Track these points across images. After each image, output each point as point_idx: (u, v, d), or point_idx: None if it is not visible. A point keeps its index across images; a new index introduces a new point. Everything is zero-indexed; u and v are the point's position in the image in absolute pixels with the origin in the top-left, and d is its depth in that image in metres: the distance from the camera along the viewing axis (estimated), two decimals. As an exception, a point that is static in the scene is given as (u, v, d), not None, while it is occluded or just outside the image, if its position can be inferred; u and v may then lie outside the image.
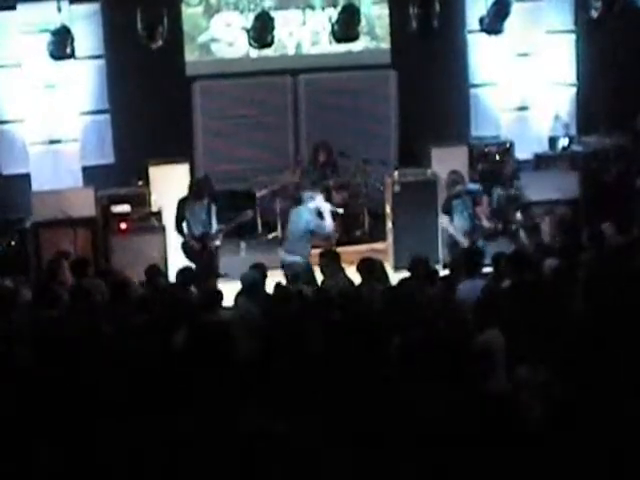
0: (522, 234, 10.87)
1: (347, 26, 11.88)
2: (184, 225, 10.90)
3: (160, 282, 9.30)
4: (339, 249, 11.35)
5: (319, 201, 10.70)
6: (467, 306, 7.49)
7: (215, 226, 10.89)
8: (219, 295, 8.32)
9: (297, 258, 10.31)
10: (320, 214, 10.57)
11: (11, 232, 11.63)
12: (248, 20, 12.25)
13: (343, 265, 10.04)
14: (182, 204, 10.96)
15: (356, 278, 9.26)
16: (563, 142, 13.45)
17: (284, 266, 10.33)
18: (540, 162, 13.29)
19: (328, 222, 10.56)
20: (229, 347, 6.79)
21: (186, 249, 10.89)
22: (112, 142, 12.96)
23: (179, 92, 13.17)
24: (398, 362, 6.37)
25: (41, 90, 12.36)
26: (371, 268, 8.94)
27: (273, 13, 12.07)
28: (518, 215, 10.91)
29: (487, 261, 9.24)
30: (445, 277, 8.92)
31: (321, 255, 9.41)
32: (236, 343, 7.01)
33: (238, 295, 8.63)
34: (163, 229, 11.53)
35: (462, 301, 7.84)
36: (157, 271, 9.47)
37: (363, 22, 12.39)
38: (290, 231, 10.74)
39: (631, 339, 6.55)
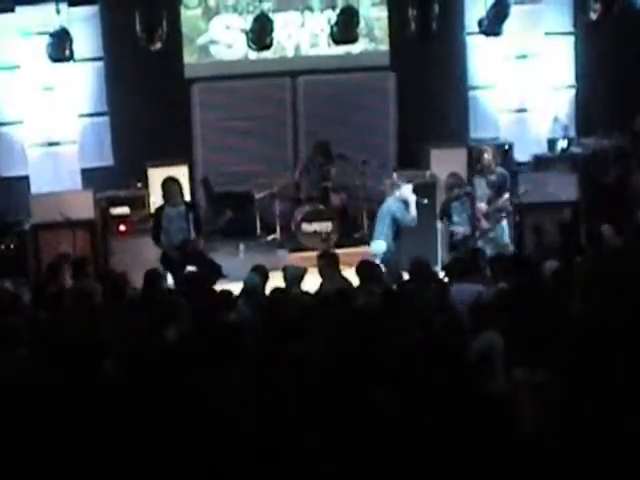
0: (505, 223, 10.97)
1: (346, 28, 11.88)
2: (162, 236, 10.46)
3: (161, 285, 9.23)
4: (338, 251, 11.38)
5: (405, 190, 10.68)
6: (463, 307, 7.49)
7: (193, 234, 10.47)
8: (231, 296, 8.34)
9: (380, 243, 10.46)
10: (406, 203, 10.59)
11: (10, 234, 11.63)
12: (247, 22, 12.25)
13: (342, 267, 10.05)
14: (159, 212, 10.59)
15: (354, 280, 9.26)
16: (562, 144, 13.46)
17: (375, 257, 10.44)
18: (539, 164, 13.29)
19: (412, 213, 10.55)
20: (236, 348, 6.79)
21: (165, 260, 10.44)
22: (111, 144, 12.98)
23: (178, 94, 13.18)
24: (397, 363, 6.37)
25: (40, 92, 12.38)
26: (370, 270, 8.94)
27: (272, 15, 12.06)
28: (505, 197, 11.00)
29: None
30: (441, 279, 8.93)
31: (319, 257, 9.39)
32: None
33: (237, 298, 8.62)
34: (162, 231, 11.51)
35: (459, 302, 7.84)
36: (157, 275, 9.36)
37: (362, 24, 12.40)
38: (375, 223, 10.85)
39: (630, 340, 6.54)
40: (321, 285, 9.04)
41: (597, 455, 4.85)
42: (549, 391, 5.60)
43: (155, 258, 10.56)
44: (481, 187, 11.11)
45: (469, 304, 7.49)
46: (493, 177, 11.05)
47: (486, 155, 11.21)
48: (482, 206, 10.91)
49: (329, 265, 9.17)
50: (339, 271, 9.30)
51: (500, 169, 11.25)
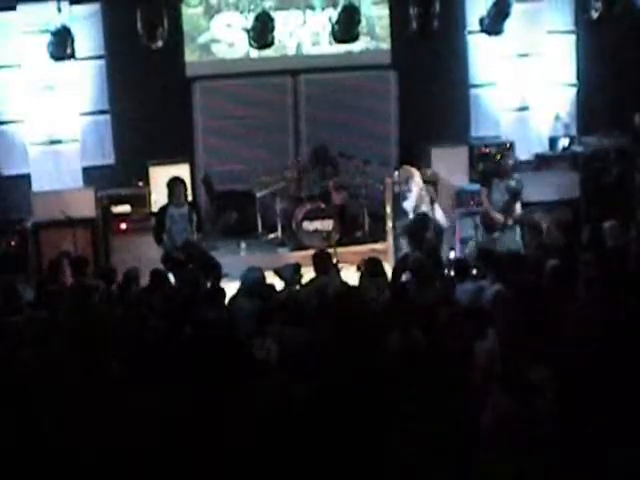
0: (517, 230, 10.86)
1: (347, 26, 11.88)
2: (164, 236, 10.44)
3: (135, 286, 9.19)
4: (339, 249, 11.40)
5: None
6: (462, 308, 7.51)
7: (196, 234, 10.50)
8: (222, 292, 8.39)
9: None
10: None
11: (11, 232, 11.65)
12: (248, 20, 12.25)
13: (343, 265, 10.08)
14: (162, 212, 10.56)
15: (355, 278, 9.28)
16: (563, 142, 13.46)
17: None
18: (540, 162, 13.30)
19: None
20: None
21: (169, 261, 10.36)
22: (112, 142, 12.97)
23: (179, 92, 13.18)
24: (396, 361, 6.38)
25: (41, 90, 12.37)
26: (375, 267, 8.94)
27: (273, 13, 12.06)
28: (518, 208, 10.86)
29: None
30: (446, 277, 8.94)
31: (313, 256, 9.39)
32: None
33: (235, 297, 8.62)
34: (163, 230, 11.51)
35: (462, 302, 7.85)
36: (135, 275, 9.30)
37: (363, 22, 12.39)
38: None
39: (631, 340, 6.55)
40: (306, 284, 9.01)
41: (596, 455, 4.86)
42: (547, 391, 5.60)
43: (156, 256, 10.56)
44: (500, 190, 10.85)
45: (470, 303, 7.52)
46: (513, 182, 10.80)
47: (509, 160, 11.05)
48: (498, 217, 10.71)
49: (322, 264, 9.17)
50: (332, 269, 9.31)
51: (517, 175, 11.02)
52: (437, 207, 10.84)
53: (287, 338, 6.87)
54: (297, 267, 9.03)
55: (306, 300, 8.05)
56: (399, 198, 11.08)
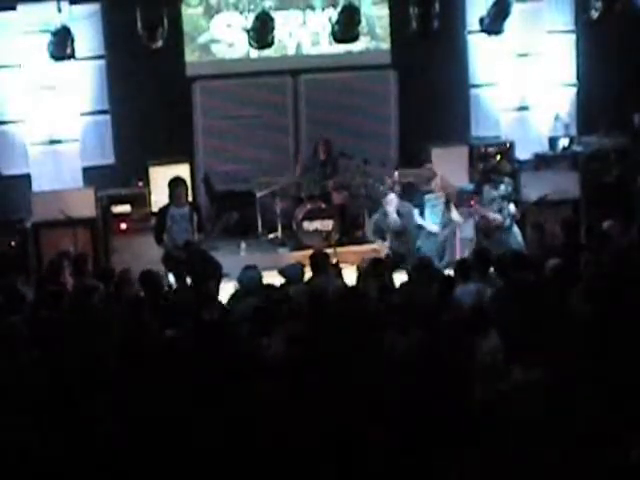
0: (517, 230, 10.90)
1: (347, 26, 11.88)
2: (165, 236, 10.41)
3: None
4: (339, 249, 11.40)
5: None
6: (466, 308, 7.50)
7: (197, 235, 10.46)
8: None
9: None
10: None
11: (11, 232, 11.65)
12: (248, 20, 12.26)
13: (343, 265, 10.07)
14: (162, 212, 10.54)
15: (354, 278, 9.28)
16: (563, 142, 13.46)
17: None
18: (540, 162, 13.30)
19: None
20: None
21: (169, 260, 10.34)
22: (112, 142, 12.97)
23: (179, 92, 13.18)
24: (396, 362, 6.38)
25: (41, 90, 12.37)
26: (378, 268, 8.94)
27: (273, 13, 12.08)
28: (512, 208, 10.90)
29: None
30: (445, 279, 8.92)
31: (311, 256, 9.40)
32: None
33: (234, 297, 8.62)
34: (163, 230, 11.50)
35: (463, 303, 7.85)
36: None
37: (363, 22, 12.39)
38: None
39: (631, 340, 6.54)
40: (304, 284, 9.01)
41: (596, 454, 4.85)
42: (548, 390, 5.60)
43: (156, 256, 10.55)
44: (491, 196, 10.91)
45: (471, 304, 7.51)
46: (502, 187, 10.88)
47: (507, 164, 11.06)
48: (495, 217, 10.78)
49: (319, 264, 9.17)
50: (331, 269, 9.31)
51: (507, 179, 11.09)
52: (452, 208, 10.91)
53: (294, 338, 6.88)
54: (301, 267, 9.03)
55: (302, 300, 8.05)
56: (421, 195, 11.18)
